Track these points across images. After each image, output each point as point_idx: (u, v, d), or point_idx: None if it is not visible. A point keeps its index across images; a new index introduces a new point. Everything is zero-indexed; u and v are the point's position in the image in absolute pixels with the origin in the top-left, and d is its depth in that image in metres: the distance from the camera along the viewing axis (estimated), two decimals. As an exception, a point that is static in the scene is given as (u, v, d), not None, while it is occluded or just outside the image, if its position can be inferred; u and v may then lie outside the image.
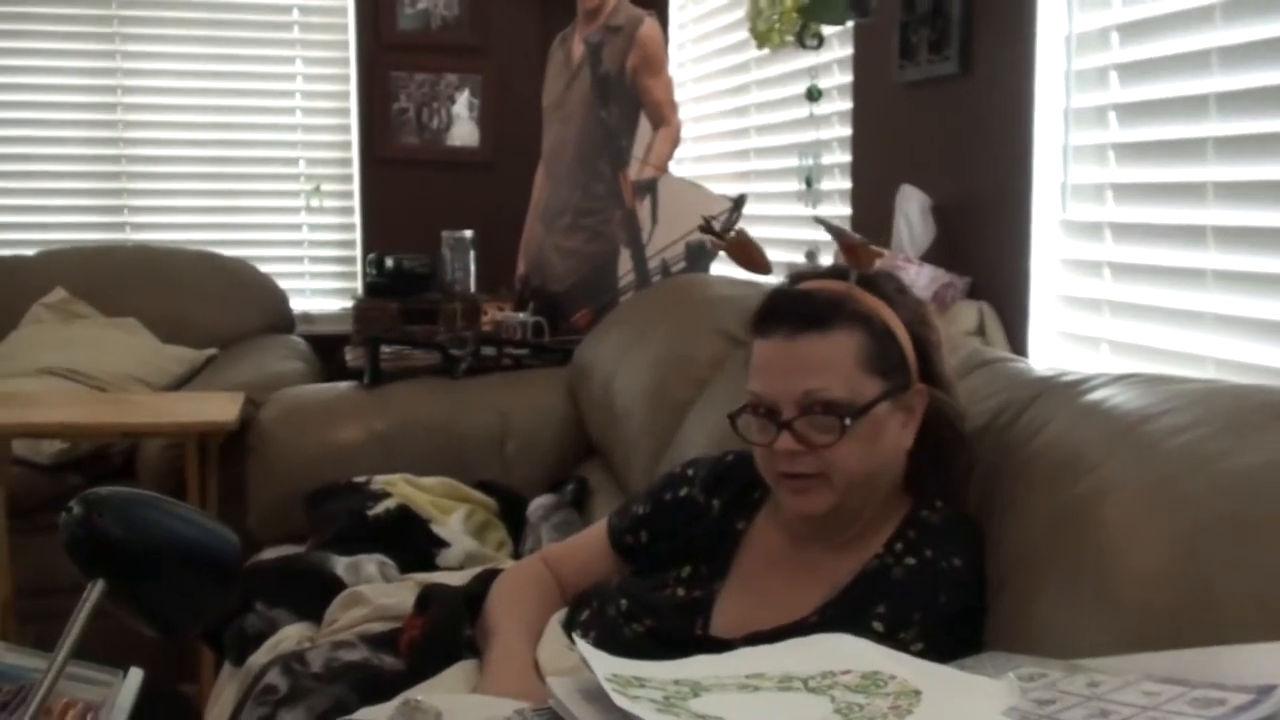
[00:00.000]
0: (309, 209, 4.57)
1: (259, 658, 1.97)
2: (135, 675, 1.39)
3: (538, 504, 2.64)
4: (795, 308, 1.56)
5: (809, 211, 2.83)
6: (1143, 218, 1.96)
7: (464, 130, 4.57)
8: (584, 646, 1.16)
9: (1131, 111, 1.98)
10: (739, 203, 3.34)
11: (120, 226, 4.47)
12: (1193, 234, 1.84)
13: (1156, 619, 1.19)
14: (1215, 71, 1.78)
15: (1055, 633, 1.33)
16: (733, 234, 1.68)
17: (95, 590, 1.18)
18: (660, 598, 1.66)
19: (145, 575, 1.21)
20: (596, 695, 1.06)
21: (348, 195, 4.58)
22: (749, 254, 1.67)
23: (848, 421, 1.50)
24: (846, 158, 2.86)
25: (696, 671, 1.16)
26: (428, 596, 1.87)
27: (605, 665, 1.10)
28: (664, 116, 3.67)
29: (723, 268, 3.44)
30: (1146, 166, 1.96)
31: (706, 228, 1.73)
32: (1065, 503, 1.41)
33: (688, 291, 2.96)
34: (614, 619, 1.67)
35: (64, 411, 3.06)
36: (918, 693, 1.09)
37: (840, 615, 1.50)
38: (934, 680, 1.13)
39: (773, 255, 3.29)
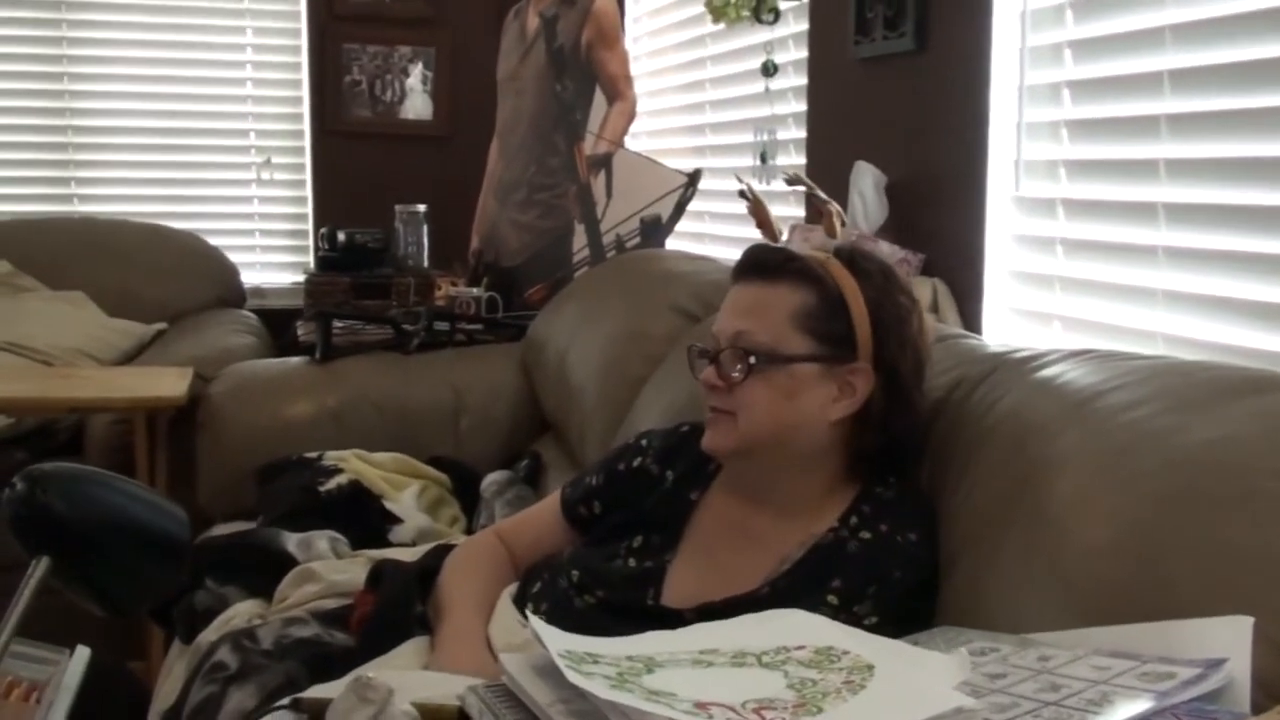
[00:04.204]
0: (260, 182, 4.52)
1: (209, 635, 1.95)
2: (82, 653, 1.37)
3: (491, 480, 2.63)
4: (757, 257, 1.64)
5: (765, 187, 2.82)
6: (1095, 194, 1.97)
7: (417, 103, 4.53)
8: (537, 623, 1.15)
9: (1085, 89, 1.99)
10: (694, 178, 3.33)
11: (67, 198, 4.40)
12: (1144, 211, 1.85)
13: (1108, 595, 1.20)
14: (1169, 49, 1.79)
15: (1008, 608, 1.33)
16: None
17: (40, 568, 1.16)
18: (611, 568, 1.66)
19: (91, 553, 1.19)
20: (549, 671, 1.06)
21: (299, 168, 4.53)
22: (765, 216, 1.92)
23: (753, 360, 1.55)
24: (801, 134, 2.85)
25: (650, 647, 1.16)
26: (379, 572, 1.86)
27: (558, 641, 1.10)
28: (619, 90, 3.65)
29: (678, 243, 3.44)
30: (1099, 144, 1.97)
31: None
32: (1018, 478, 1.42)
33: (642, 267, 2.95)
34: (565, 591, 1.67)
35: (9, 386, 3.01)
36: (871, 667, 1.10)
37: (793, 588, 1.51)
38: (887, 655, 1.14)
39: (727, 231, 3.30)
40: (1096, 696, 1.02)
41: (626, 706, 0.97)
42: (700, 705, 1.00)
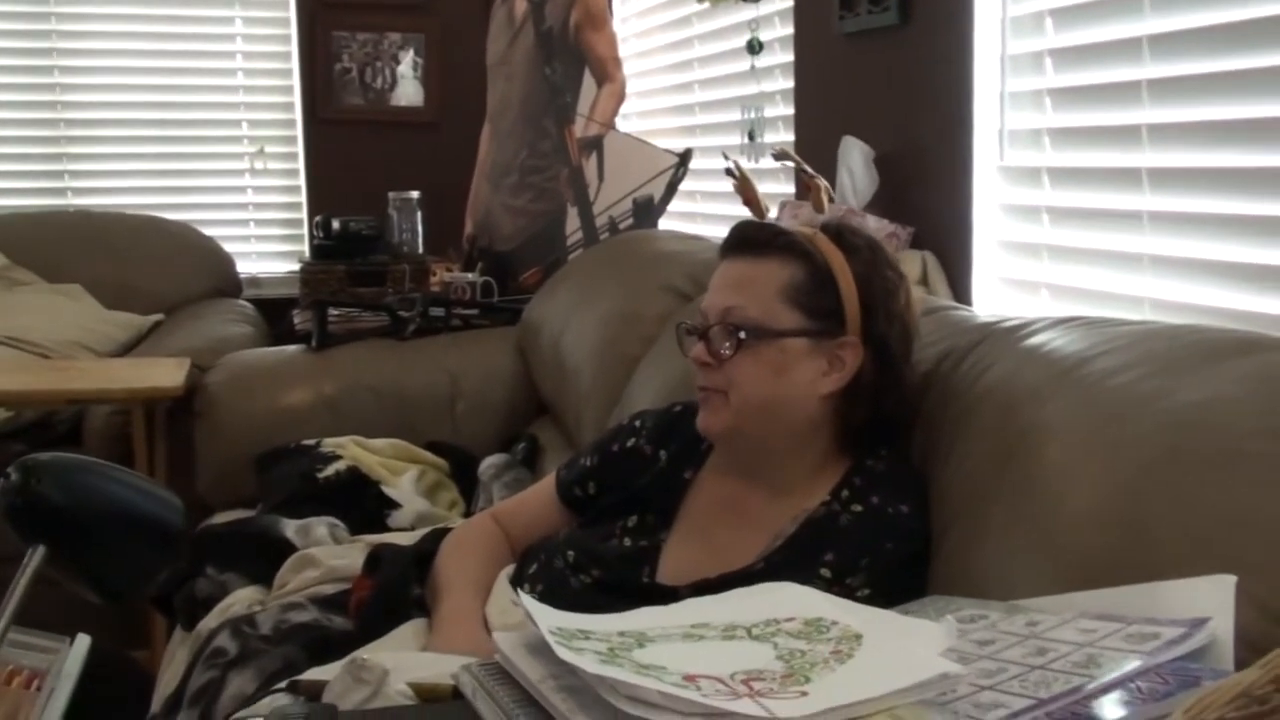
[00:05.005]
0: (253, 171, 4.52)
1: (209, 622, 1.96)
2: (82, 642, 1.38)
3: (489, 463, 2.64)
4: (745, 233, 1.64)
5: (754, 165, 2.82)
6: (1079, 162, 1.97)
7: (408, 90, 4.53)
8: (528, 601, 1.16)
9: (1067, 56, 1.99)
10: (684, 158, 3.33)
11: (61, 191, 4.40)
12: (1128, 177, 1.85)
13: (1096, 560, 1.21)
14: (1149, 15, 1.79)
15: (997, 575, 1.34)
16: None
17: (35, 557, 1.17)
18: (607, 548, 1.67)
19: (86, 541, 1.20)
20: (541, 649, 1.06)
21: (292, 157, 4.53)
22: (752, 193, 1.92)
23: (743, 335, 1.55)
24: (789, 110, 2.85)
25: (642, 623, 1.16)
26: (377, 557, 1.87)
27: (549, 619, 1.10)
28: (608, 72, 3.65)
29: (670, 224, 3.44)
30: (1082, 111, 1.97)
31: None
32: (1007, 446, 1.42)
33: (635, 248, 2.95)
34: (561, 571, 1.68)
35: (7, 379, 3.02)
36: (859, 637, 1.10)
37: (787, 562, 1.51)
38: (875, 624, 1.14)
39: (718, 209, 3.30)
40: (1083, 659, 1.02)
41: (615, 680, 0.97)
42: (689, 677, 1.00)
